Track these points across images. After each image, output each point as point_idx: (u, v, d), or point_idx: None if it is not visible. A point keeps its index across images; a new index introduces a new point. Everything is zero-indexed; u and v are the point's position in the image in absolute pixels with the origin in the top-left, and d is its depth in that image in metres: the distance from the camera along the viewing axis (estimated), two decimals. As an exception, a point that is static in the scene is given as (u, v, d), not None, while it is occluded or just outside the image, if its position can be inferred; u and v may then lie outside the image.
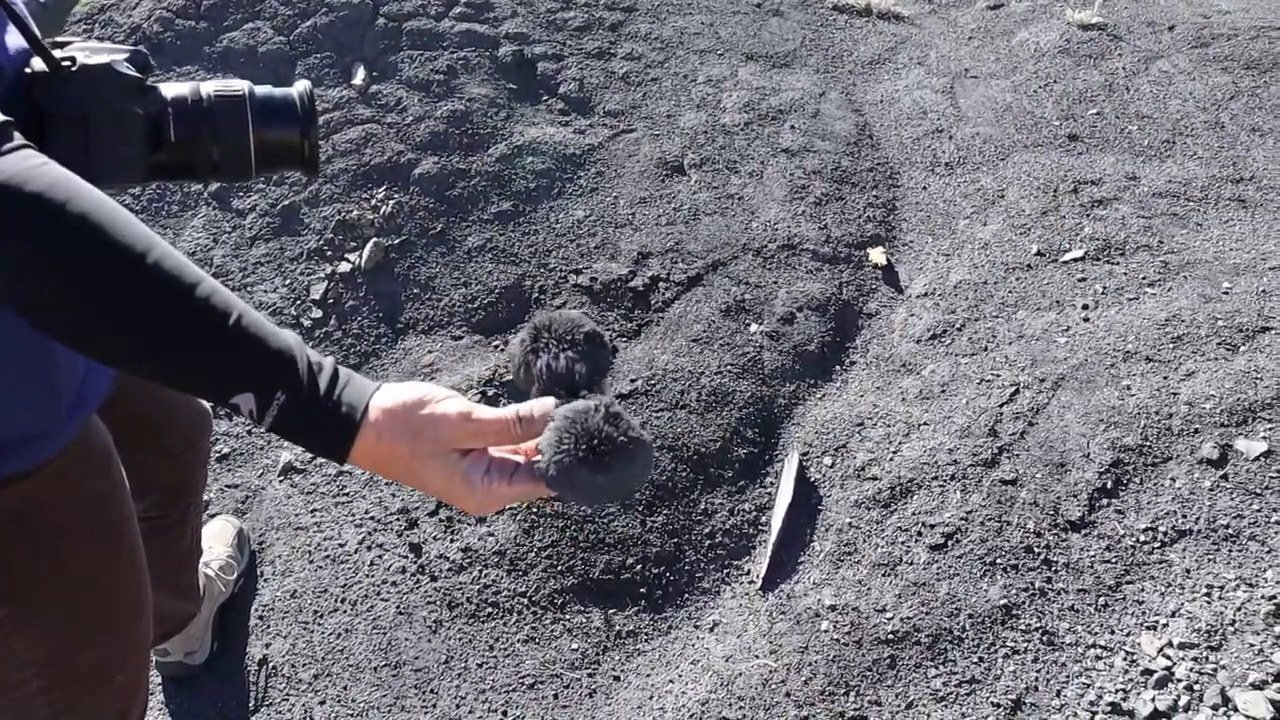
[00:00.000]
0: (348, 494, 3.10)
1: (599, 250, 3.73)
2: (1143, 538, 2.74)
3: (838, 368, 3.51)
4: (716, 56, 4.71)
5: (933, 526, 2.82)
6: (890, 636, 2.60)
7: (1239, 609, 2.55)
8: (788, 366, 3.43)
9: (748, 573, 2.94)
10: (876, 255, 3.87)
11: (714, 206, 3.93)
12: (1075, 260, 3.73)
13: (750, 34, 4.92)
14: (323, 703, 2.62)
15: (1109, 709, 2.39)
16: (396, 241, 3.72)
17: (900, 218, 4.13)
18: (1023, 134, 4.48)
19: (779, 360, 3.43)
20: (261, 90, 1.21)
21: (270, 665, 2.71)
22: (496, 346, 3.51)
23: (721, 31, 4.87)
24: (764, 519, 3.05)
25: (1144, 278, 3.61)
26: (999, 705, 2.44)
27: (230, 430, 3.40)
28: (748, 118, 4.38)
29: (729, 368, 3.35)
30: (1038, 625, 2.58)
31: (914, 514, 2.88)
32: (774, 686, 2.56)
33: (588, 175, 4.02)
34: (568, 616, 2.83)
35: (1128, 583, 2.66)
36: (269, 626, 2.81)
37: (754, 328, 3.50)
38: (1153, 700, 2.38)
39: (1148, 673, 2.45)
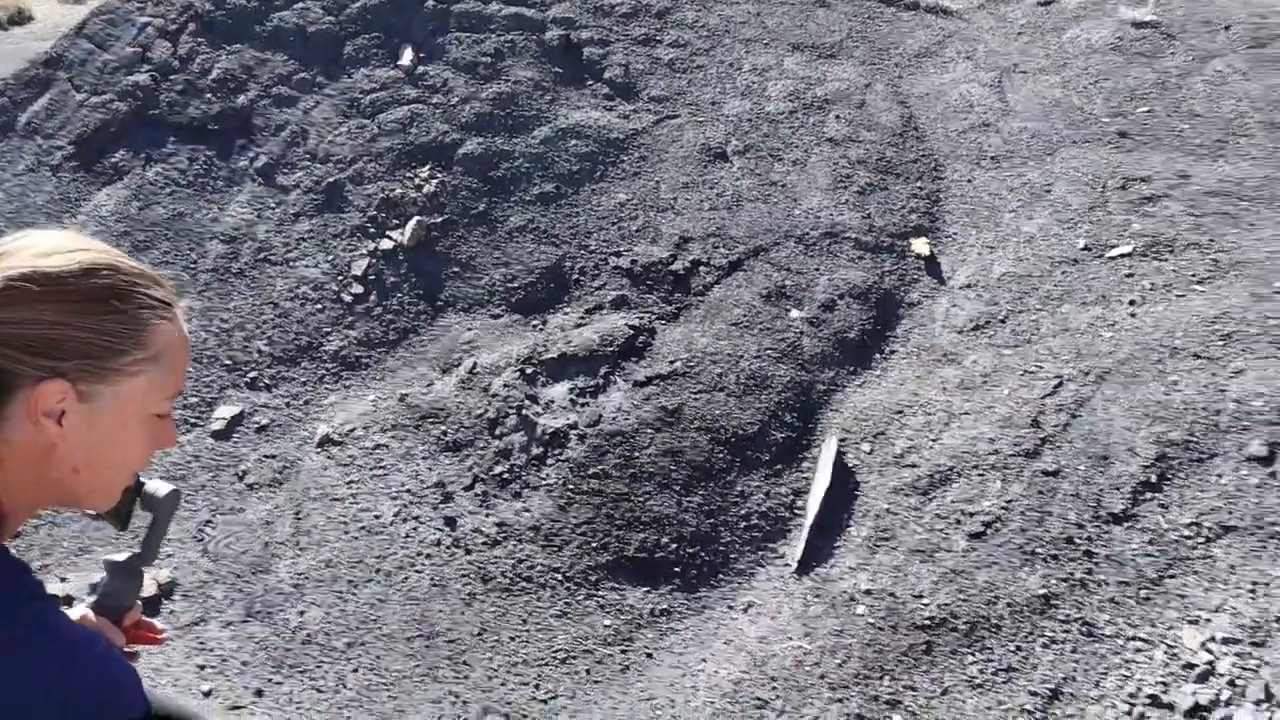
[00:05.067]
0: (384, 466, 3.11)
1: (640, 233, 3.73)
2: (1186, 532, 2.69)
3: (878, 355, 3.48)
4: (763, 46, 4.69)
5: (972, 515, 2.79)
6: (927, 623, 2.57)
7: (1285, 606, 2.50)
8: (827, 353, 3.41)
9: (783, 555, 2.93)
10: (919, 245, 3.84)
11: (756, 193, 3.91)
12: (1123, 256, 3.67)
13: (797, 24, 4.90)
14: (356, 670, 2.63)
15: (1148, 701, 2.35)
16: (439, 220, 3.73)
17: (944, 209, 4.09)
18: (1071, 129, 4.42)
19: (819, 346, 3.41)
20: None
21: (305, 632, 2.73)
22: (535, 325, 3.51)
23: (768, 21, 4.85)
24: (800, 503, 3.03)
25: (1193, 275, 3.55)
26: (1036, 694, 2.41)
27: (269, 402, 3.43)
28: (792, 106, 4.35)
29: (768, 352, 3.34)
30: (1077, 616, 2.54)
31: (953, 502, 2.85)
32: (808, 669, 2.54)
33: (631, 159, 4.01)
34: (602, 593, 2.83)
35: (1170, 577, 2.61)
36: (304, 595, 2.83)
37: (794, 314, 3.48)
38: (1194, 694, 2.33)
39: (1189, 666, 2.40)
